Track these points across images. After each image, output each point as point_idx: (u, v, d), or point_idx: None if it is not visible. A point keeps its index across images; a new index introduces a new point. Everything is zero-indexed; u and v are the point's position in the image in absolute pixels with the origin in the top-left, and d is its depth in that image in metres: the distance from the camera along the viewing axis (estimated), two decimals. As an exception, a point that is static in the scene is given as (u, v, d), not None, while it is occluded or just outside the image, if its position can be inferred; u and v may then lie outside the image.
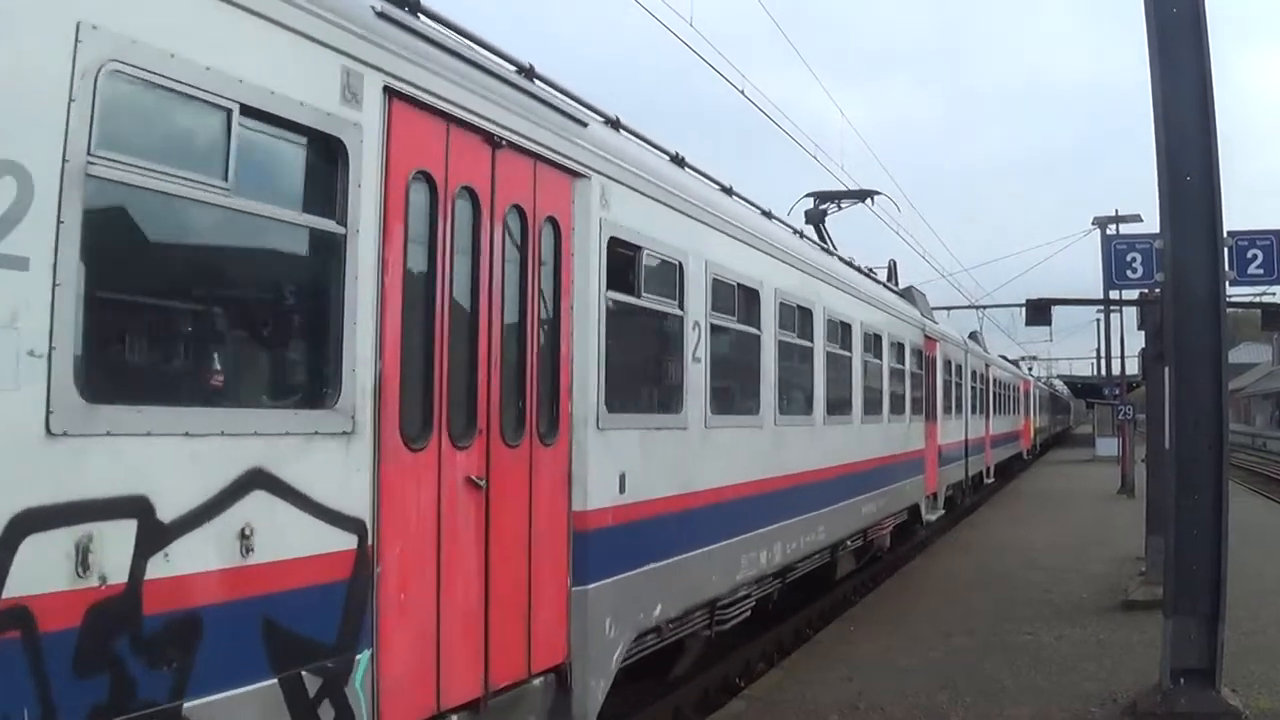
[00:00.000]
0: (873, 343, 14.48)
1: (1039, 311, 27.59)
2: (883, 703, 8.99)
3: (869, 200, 18.39)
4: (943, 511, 20.91)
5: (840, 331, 12.85)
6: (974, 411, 26.85)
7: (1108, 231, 30.94)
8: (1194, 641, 8.25)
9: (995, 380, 33.15)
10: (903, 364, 16.83)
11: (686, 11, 13.31)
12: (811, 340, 11.49)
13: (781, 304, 10.49)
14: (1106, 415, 46.93)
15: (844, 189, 18.48)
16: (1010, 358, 48.48)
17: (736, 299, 9.38)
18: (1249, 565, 13.34)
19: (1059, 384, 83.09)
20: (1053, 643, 11.20)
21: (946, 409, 21.76)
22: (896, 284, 19.96)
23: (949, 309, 36.34)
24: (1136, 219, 31.28)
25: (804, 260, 11.56)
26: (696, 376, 8.42)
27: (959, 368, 24.12)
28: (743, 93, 13.67)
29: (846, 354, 13.07)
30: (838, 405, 12.66)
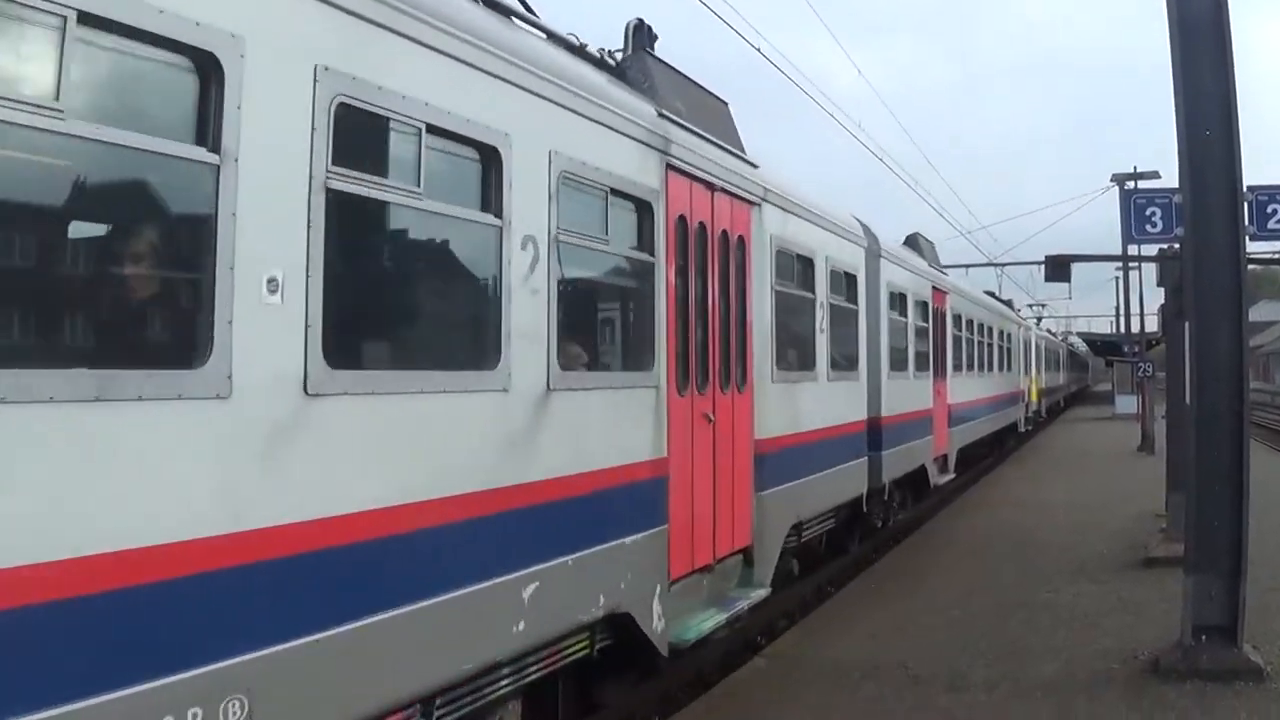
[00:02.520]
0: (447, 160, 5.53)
1: (1058, 268, 27.52)
2: (905, 661, 9.05)
3: None
4: (766, 591, 9.55)
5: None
6: (906, 367, 16.57)
7: (1126, 188, 30.73)
8: (1215, 598, 8.26)
9: (960, 318, 21.95)
10: (604, 237, 7.06)
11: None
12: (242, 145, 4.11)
13: None
14: (1126, 373, 46.68)
15: None
16: (1003, 297, 39.41)
17: None
18: (1269, 522, 13.31)
19: (1077, 340, 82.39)
20: (1073, 600, 11.23)
21: (805, 363, 11.18)
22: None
23: (967, 266, 35.82)
24: (1155, 175, 31.14)
25: None
26: None
27: (858, 282, 13.34)
28: (759, 50, 13.53)
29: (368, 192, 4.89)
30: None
